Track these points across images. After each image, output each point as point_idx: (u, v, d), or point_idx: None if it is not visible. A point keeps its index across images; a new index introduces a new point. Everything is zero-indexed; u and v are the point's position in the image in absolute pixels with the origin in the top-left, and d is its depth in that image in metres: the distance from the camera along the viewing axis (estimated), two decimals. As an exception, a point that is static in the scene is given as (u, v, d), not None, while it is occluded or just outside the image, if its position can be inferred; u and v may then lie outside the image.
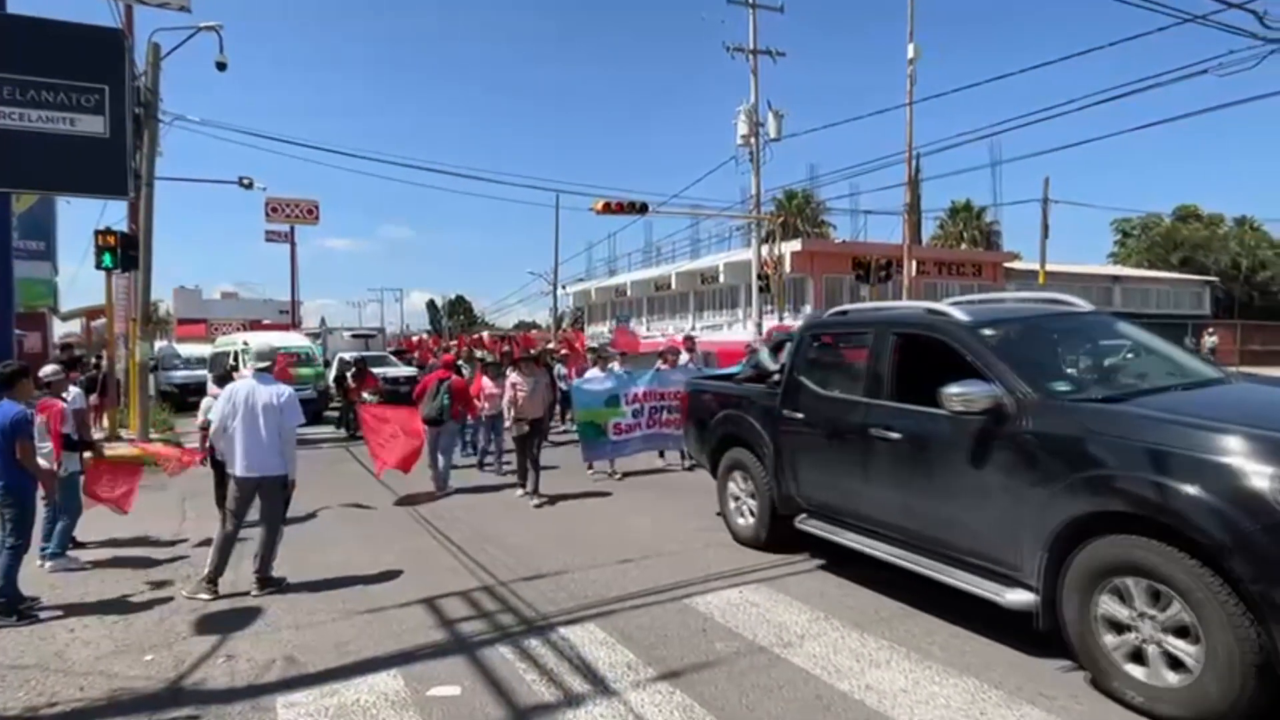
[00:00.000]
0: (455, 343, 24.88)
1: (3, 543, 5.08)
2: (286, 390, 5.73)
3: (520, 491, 8.42)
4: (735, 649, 4.33)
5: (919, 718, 3.51)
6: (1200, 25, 10.56)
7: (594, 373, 10.43)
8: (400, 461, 8.81)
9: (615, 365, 11.27)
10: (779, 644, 4.36)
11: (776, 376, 6.10)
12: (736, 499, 6.47)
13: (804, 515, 5.66)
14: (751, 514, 6.27)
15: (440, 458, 9.21)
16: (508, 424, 8.99)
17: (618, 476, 9.78)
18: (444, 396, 9.09)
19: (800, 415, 5.64)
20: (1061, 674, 3.90)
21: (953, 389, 4.16)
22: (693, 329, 29.11)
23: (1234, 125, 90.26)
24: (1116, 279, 38.37)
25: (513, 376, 8.57)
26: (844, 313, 6.00)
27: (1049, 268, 29.05)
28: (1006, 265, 33.95)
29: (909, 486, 4.70)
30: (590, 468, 9.91)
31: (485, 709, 3.72)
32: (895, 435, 4.75)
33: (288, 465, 5.67)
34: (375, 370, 15.99)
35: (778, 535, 6.00)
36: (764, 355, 6.62)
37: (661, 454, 10.55)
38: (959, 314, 4.78)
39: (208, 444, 7.17)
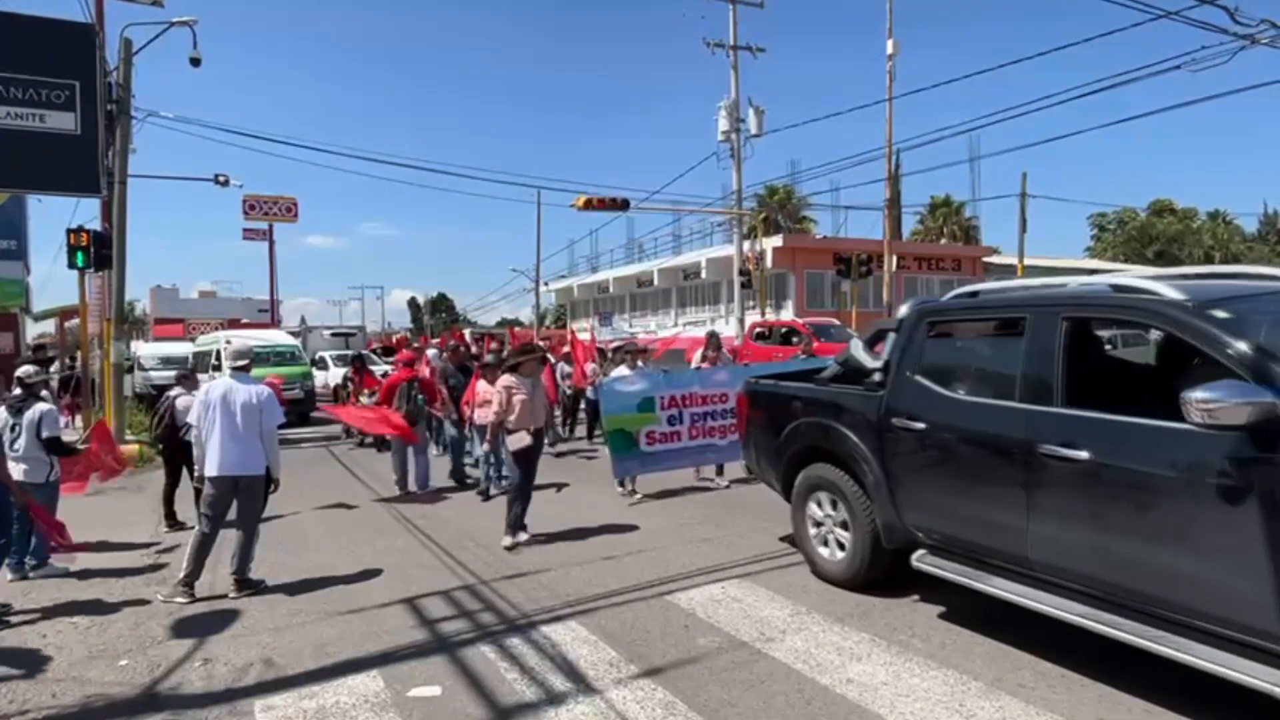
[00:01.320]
0: (440, 340, 24.57)
1: None
2: (265, 390, 5.68)
3: (509, 538, 6.57)
4: (717, 645, 4.33)
5: (900, 710, 3.53)
6: (1174, 21, 10.69)
7: (621, 371, 8.88)
8: (389, 427, 8.95)
9: (641, 363, 9.72)
10: (761, 639, 4.37)
11: (878, 376, 4.93)
12: (820, 526, 5.35)
13: (922, 552, 4.56)
14: (842, 545, 5.14)
15: (416, 458, 9.03)
16: (488, 440, 7.51)
17: (635, 498, 8.16)
18: (417, 396, 8.91)
19: (920, 425, 4.45)
20: (1039, 665, 3.93)
21: (1199, 394, 3.04)
22: (675, 325, 29.18)
23: (1207, 120, 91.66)
24: (1093, 273, 38.79)
25: (506, 379, 6.82)
26: (974, 294, 4.78)
27: (1027, 262, 29.38)
28: (985, 260, 34.29)
29: (1108, 524, 3.56)
30: (623, 487, 8.38)
31: (466, 709, 3.69)
32: (1081, 455, 3.57)
33: (271, 463, 5.62)
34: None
35: (879, 572, 4.95)
36: (858, 349, 5.33)
37: (720, 470, 8.81)
38: (1169, 290, 3.62)
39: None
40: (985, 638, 4.25)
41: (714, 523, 6.99)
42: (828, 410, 5.23)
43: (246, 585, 5.47)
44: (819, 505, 5.35)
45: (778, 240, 29.54)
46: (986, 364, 4.78)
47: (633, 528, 7.00)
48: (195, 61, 14.44)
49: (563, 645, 4.37)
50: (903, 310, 5.04)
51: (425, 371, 10.42)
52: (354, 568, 6.00)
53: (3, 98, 11.32)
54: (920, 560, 4.54)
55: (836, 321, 21.35)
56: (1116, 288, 3.96)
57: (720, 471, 8.82)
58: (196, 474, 5.67)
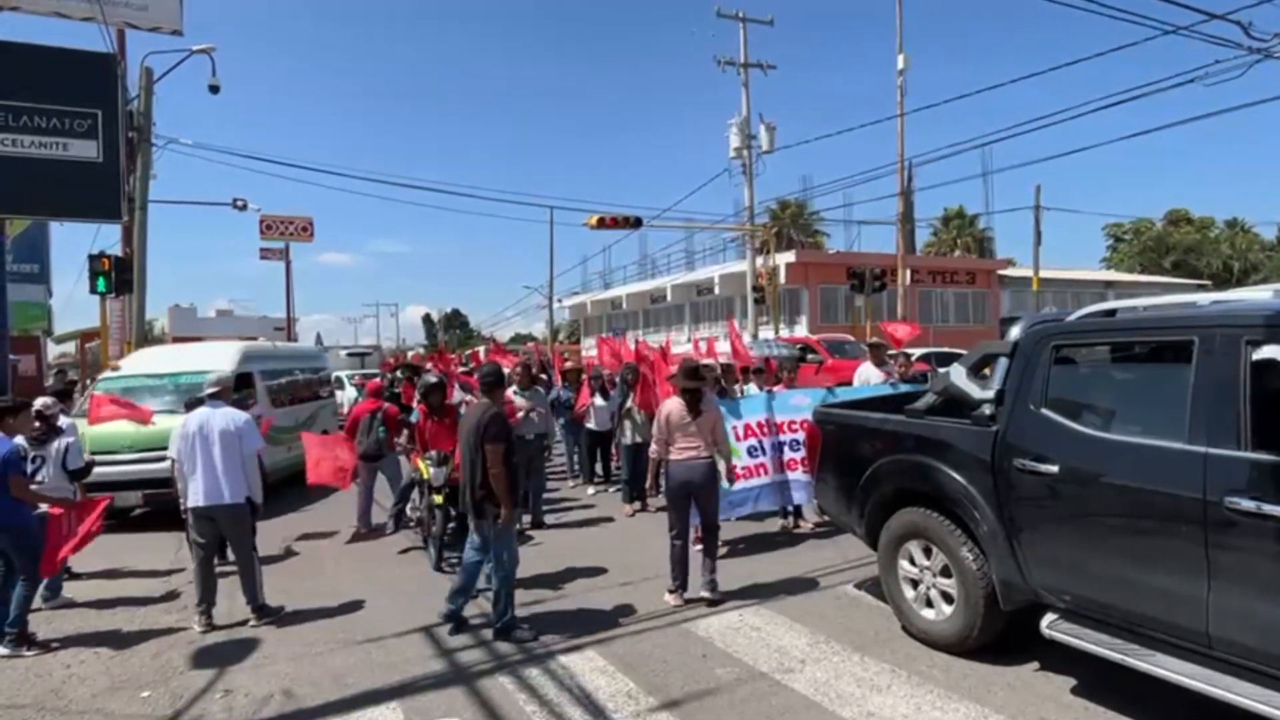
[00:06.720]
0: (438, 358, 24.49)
1: (8, 579, 5.10)
2: (243, 415, 5.69)
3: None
4: (736, 675, 4.30)
5: (921, 745, 3.49)
6: (1186, 36, 10.66)
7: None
8: (334, 475, 7.93)
9: (752, 387, 8.31)
10: (780, 669, 4.34)
11: (988, 408, 4.33)
12: (916, 581, 4.70)
13: (1054, 617, 3.91)
14: (948, 601, 4.47)
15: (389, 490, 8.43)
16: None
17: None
18: (379, 428, 8.27)
19: (1051, 468, 3.83)
20: (1062, 698, 3.88)
21: None
22: (688, 341, 29.16)
23: (1223, 130, 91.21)
24: (1110, 284, 38.55)
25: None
26: (1110, 313, 4.15)
27: (1043, 274, 29.18)
28: (1000, 272, 34.09)
29: None
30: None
31: (485, 743, 3.69)
32: None
33: (251, 490, 5.60)
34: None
35: (993, 635, 4.32)
36: (958, 376, 4.61)
37: (790, 514, 7.64)
38: None
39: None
40: (1004, 667, 4.21)
41: (730, 549, 6.95)
42: (927, 447, 4.56)
43: (265, 613, 5.50)
44: (914, 557, 4.71)
45: (790, 256, 29.51)
46: (1136, 396, 4.06)
47: (647, 553, 6.96)
48: (214, 89, 14.70)
49: (580, 675, 4.36)
50: (1015, 331, 4.44)
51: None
52: (370, 594, 6.01)
53: (27, 127, 11.55)
54: (1053, 628, 3.87)
55: (851, 337, 21.25)
56: None
57: (799, 514, 7.69)
58: (182, 507, 5.71)
